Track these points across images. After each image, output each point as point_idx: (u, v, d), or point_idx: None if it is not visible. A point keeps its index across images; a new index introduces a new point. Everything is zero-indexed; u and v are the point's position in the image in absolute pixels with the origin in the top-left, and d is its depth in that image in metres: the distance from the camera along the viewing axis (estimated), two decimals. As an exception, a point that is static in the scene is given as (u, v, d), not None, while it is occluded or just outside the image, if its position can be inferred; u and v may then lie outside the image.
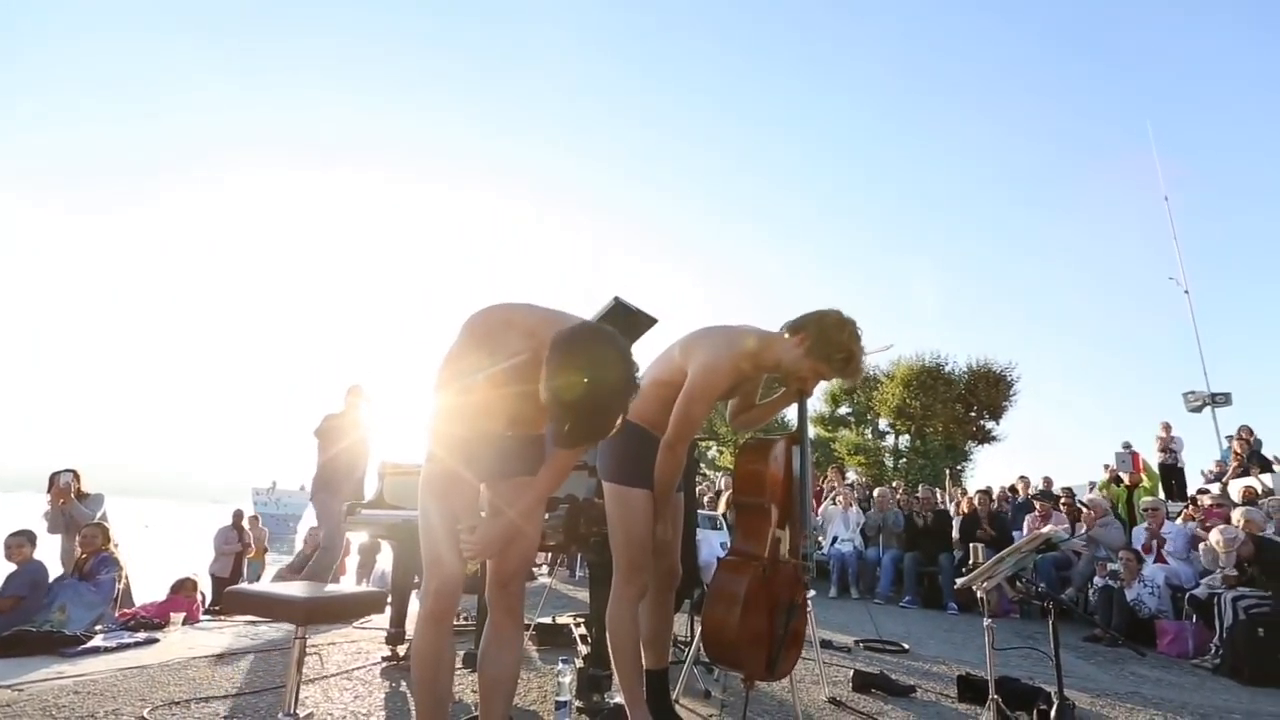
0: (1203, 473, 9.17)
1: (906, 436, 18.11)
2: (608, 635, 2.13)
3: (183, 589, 4.74)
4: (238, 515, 8.47)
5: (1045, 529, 2.50)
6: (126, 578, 4.49)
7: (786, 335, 2.02)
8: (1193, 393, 12.13)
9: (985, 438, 17.49)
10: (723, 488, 8.34)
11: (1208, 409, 11.81)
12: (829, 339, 1.96)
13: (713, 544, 5.91)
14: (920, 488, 8.26)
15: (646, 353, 2.28)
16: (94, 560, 4.10)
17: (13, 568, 3.88)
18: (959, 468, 16.59)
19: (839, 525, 7.37)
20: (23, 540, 3.95)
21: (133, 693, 2.61)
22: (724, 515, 5.16)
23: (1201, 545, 5.12)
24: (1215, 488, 7.87)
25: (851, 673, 3.21)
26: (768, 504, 2.06)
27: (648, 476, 2.08)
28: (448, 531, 1.70)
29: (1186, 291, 13.19)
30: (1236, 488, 7.26)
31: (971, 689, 3.00)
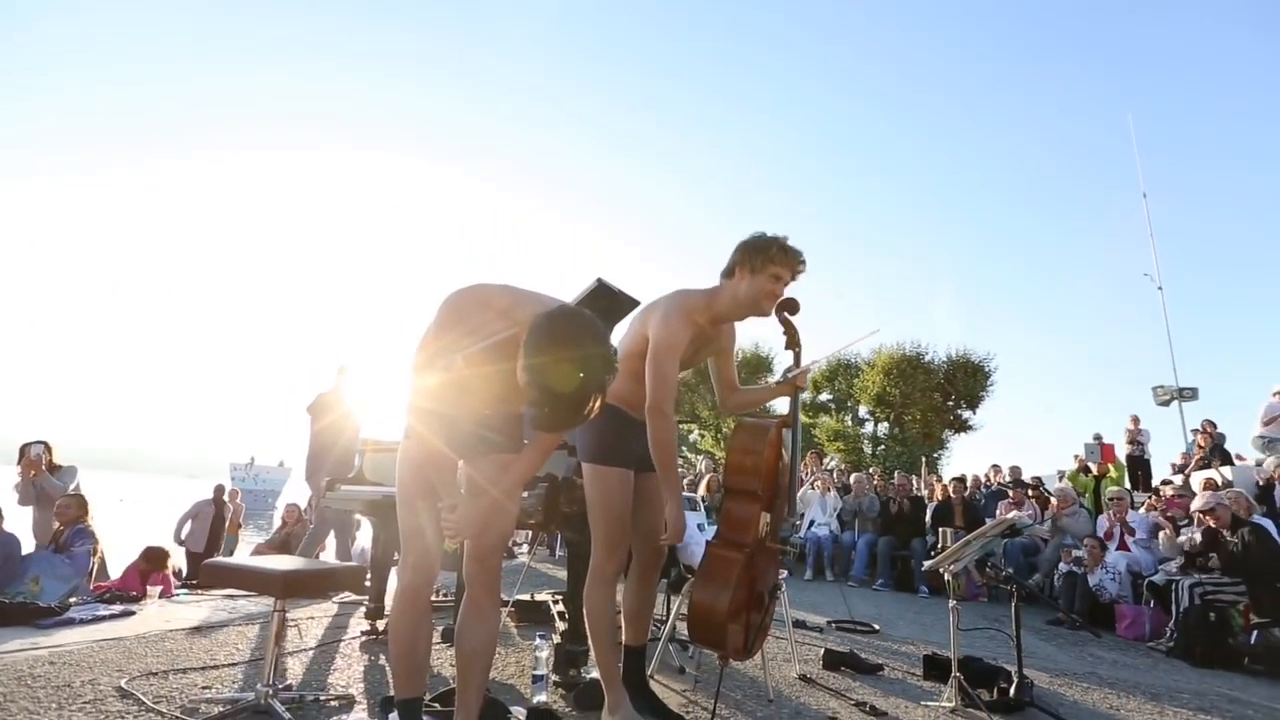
0: (1171, 465, 9.46)
1: (886, 424, 18.39)
2: (584, 612, 2.17)
3: (153, 558, 4.62)
4: (219, 490, 8.38)
5: (1010, 515, 2.59)
6: (101, 551, 4.44)
7: (726, 281, 2.15)
8: (1161, 387, 12.45)
9: (962, 427, 17.82)
10: (703, 470, 8.44)
11: (1175, 403, 12.15)
12: (755, 247, 2.09)
13: (689, 525, 5.98)
14: (896, 474, 8.43)
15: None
16: (69, 532, 4.05)
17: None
18: (935, 456, 16.91)
19: (816, 509, 7.51)
20: (-8, 512, 3.89)
21: (109, 664, 2.61)
22: (700, 498, 5.23)
23: (1162, 534, 5.31)
24: (1179, 479, 8.12)
25: (822, 651, 3.31)
26: (759, 489, 2.08)
27: (625, 455, 2.11)
28: (426, 508, 1.72)
29: (1160, 288, 13.46)
30: (1198, 479, 7.50)
31: (937, 667, 3.11)
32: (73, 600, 3.80)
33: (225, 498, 8.30)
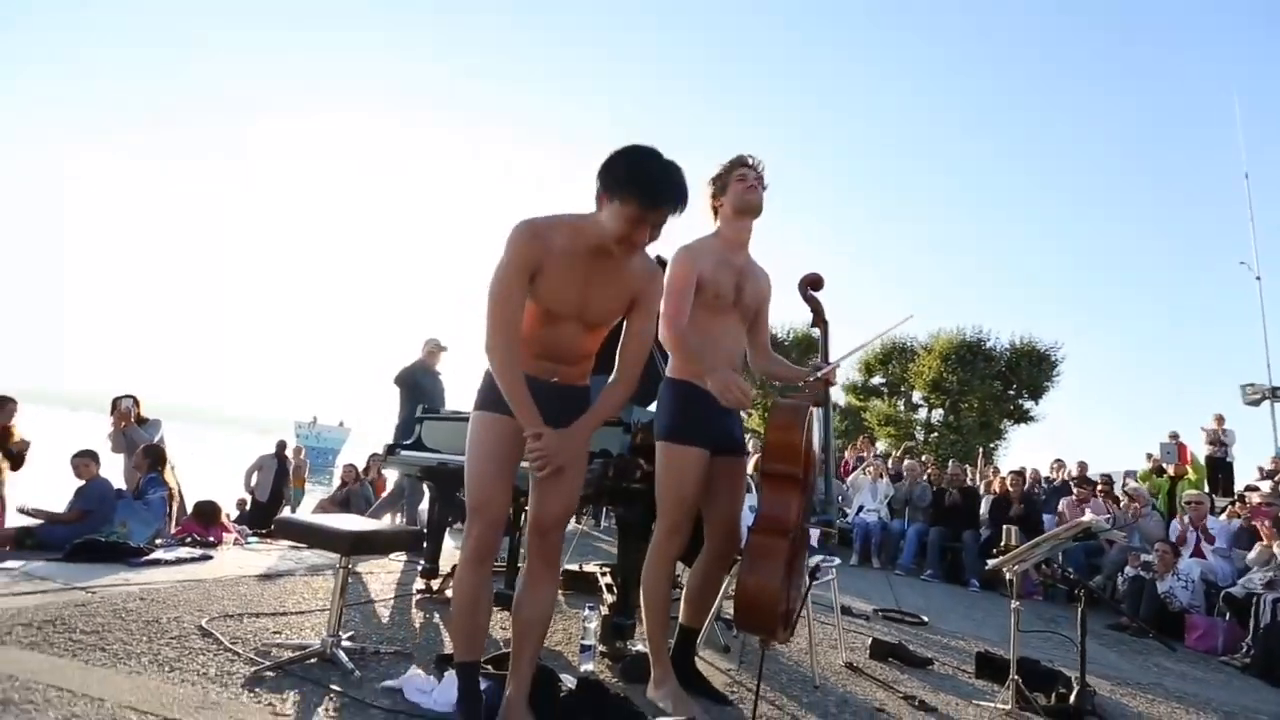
0: (1259, 469, 8.80)
1: (940, 411, 17.78)
2: (641, 587, 2.19)
3: (206, 514, 4.58)
4: (281, 445, 8.87)
5: (1086, 517, 2.45)
6: (181, 496, 4.77)
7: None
8: (1252, 385, 11.55)
9: (1022, 417, 17.05)
10: (751, 450, 8.37)
11: (1267, 403, 11.26)
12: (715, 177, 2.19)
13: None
14: (950, 464, 8.15)
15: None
16: (143, 480, 4.36)
17: (80, 484, 4.15)
18: (992, 446, 16.27)
19: (866, 495, 7.36)
20: (88, 460, 4.22)
21: (191, 603, 2.82)
22: (751, 477, 5.17)
23: (1258, 545, 4.95)
24: (1266, 485, 7.56)
25: (870, 640, 3.26)
26: (798, 471, 2.03)
27: (699, 433, 2.09)
28: (497, 474, 1.75)
29: (1259, 278, 12.41)
30: (1289, 487, 6.96)
31: (990, 666, 3.02)
32: (158, 541, 4.11)
33: (288, 452, 8.80)
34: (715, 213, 2.21)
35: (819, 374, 2.12)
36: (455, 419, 3.72)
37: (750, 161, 2.17)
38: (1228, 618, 4.72)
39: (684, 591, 2.25)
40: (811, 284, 2.16)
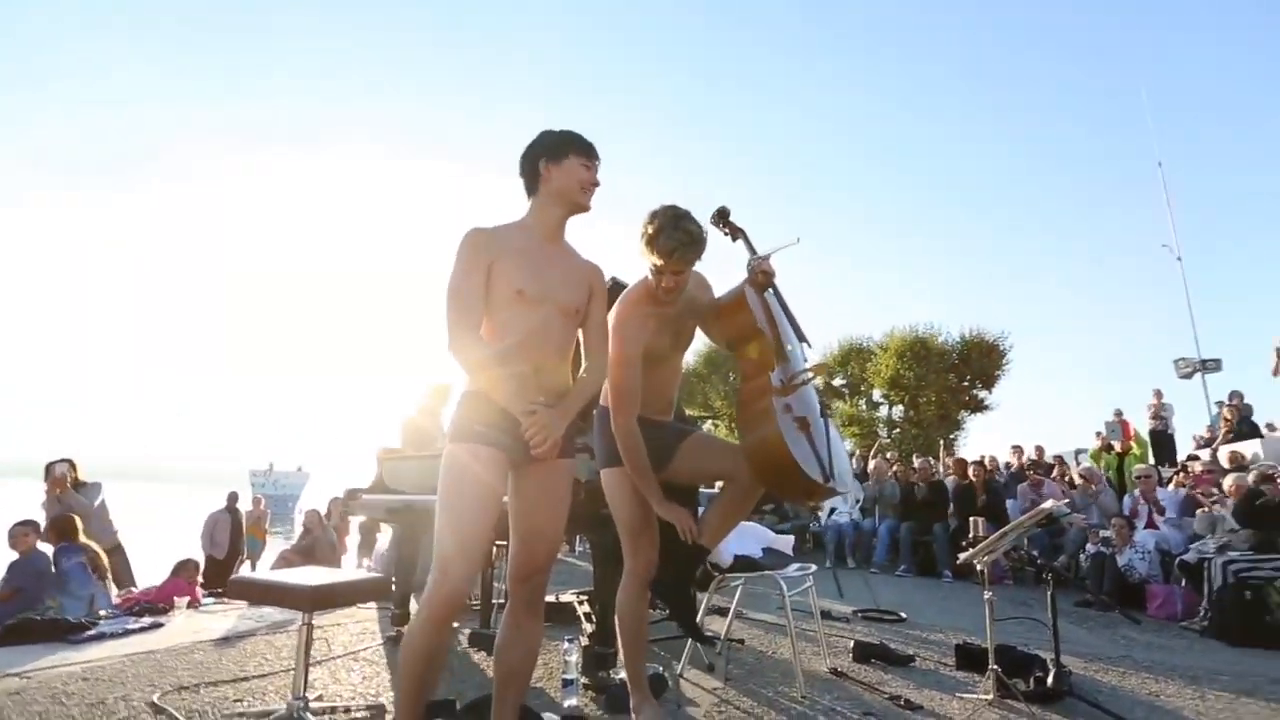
0: (1194, 438, 9.30)
1: (900, 407, 18.23)
2: (616, 613, 2.15)
3: (184, 571, 4.75)
4: (232, 497, 8.50)
5: (1047, 504, 2.53)
6: (105, 565, 4.39)
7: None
8: (1183, 359, 12.22)
9: (978, 407, 17.62)
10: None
11: (1198, 375, 11.93)
12: (646, 236, 1.98)
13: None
14: (915, 459, 8.34)
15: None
16: (55, 553, 4.02)
17: (15, 557, 3.86)
18: (952, 438, 16.73)
19: (837, 499, 7.46)
20: (28, 529, 3.92)
21: (141, 678, 2.63)
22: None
23: (1199, 512, 5.20)
24: (1205, 454, 7.98)
25: (852, 643, 3.27)
26: (751, 327, 2.06)
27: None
28: (480, 515, 1.61)
29: (1179, 259, 13.21)
30: (1225, 453, 7.36)
31: (969, 658, 3.06)
32: (102, 614, 3.83)
33: (241, 505, 8.47)
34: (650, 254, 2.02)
35: (755, 264, 2.16)
36: (419, 457, 3.61)
37: (684, 252, 1.95)
38: (1183, 584, 4.93)
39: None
40: (721, 215, 2.28)
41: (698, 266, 2.06)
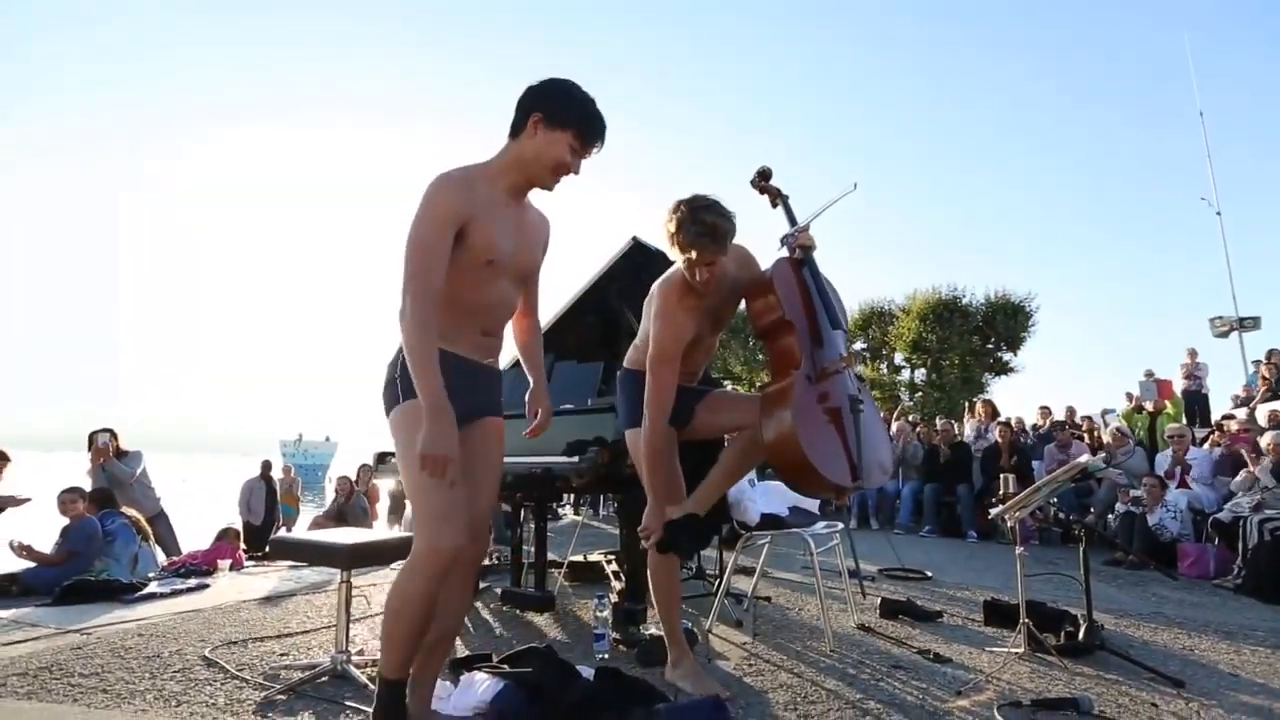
0: (1232, 398, 9.05)
1: (922, 371, 18.02)
2: (648, 570, 2.18)
3: (226, 537, 4.94)
4: (266, 466, 8.73)
5: (1083, 458, 2.48)
6: (149, 530, 4.59)
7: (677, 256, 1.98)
8: (1220, 318, 11.84)
9: (1003, 369, 17.35)
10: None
11: (1235, 334, 11.56)
12: (668, 234, 1.94)
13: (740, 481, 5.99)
14: (938, 420, 8.26)
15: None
16: (100, 517, 4.20)
17: (66, 523, 4.02)
18: (974, 401, 16.54)
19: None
20: (75, 496, 4.08)
21: (192, 634, 2.75)
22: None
23: (1243, 472, 5.09)
24: (1242, 413, 7.78)
25: (879, 600, 3.29)
26: (779, 315, 2.00)
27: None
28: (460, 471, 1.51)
29: (1219, 213, 12.68)
30: (1264, 412, 7.16)
31: (998, 613, 3.07)
32: (150, 575, 4.00)
33: (275, 473, 8.70)
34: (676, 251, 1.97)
35: (789, 240, 2.14)
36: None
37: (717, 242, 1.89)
38: (1216, 543, 4.86)
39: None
40: (762, 175, 2.26)
41: (739, 239, 1.99)
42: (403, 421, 1.57)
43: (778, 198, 2.23)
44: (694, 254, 1.88)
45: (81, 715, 1.91)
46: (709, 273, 1.93)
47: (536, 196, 1.75)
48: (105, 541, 4.01)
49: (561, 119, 1.59)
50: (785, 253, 2.14)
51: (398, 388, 1.59)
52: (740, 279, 2.11)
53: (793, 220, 2.19)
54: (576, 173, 1.66)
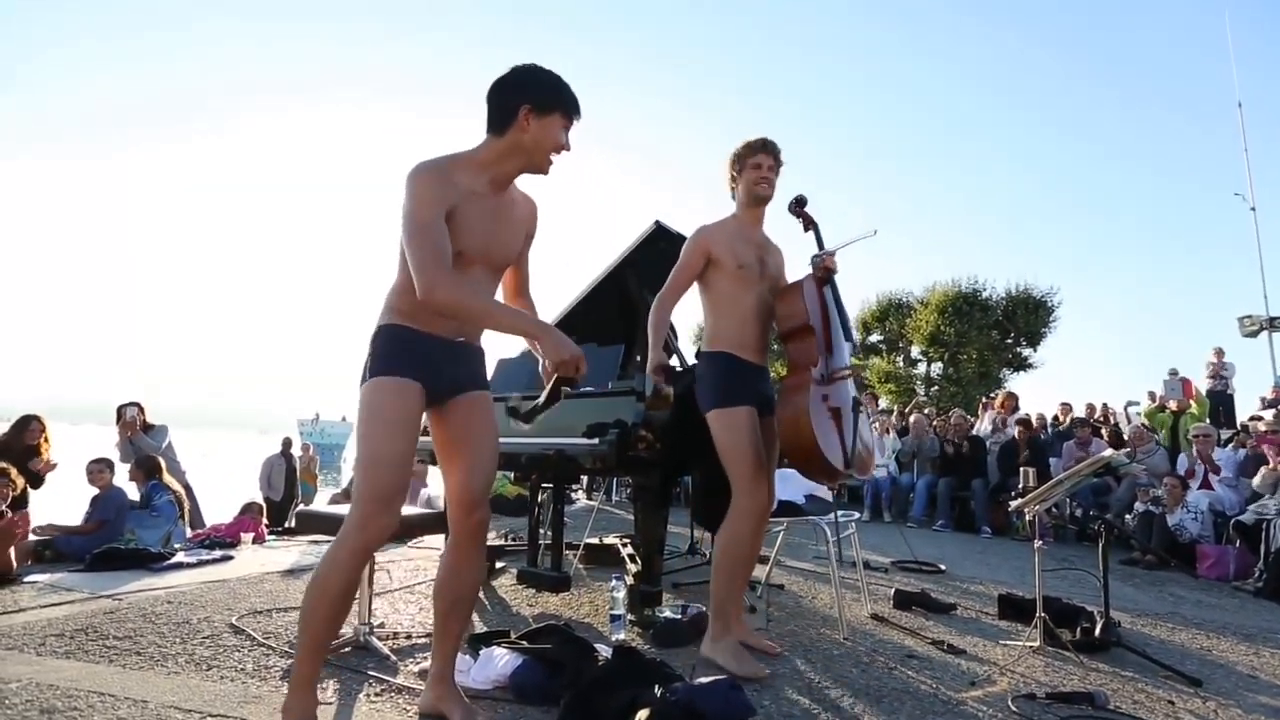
0: (1261, 399, 8.87)
1: (939, 364, 17.82)
2: (716, 544, 2.25)
3: (249, 511, 5.07)
4: (286, 443, 8.90)
5: (1106, 453, 2.46)
6: (192, 499, 4.79)
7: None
8: (1249, 317, 11.58)
9: (1021, 365, 17.12)
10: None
11: (1264, 334, 11.30)
12: (734, 155, 2.37)
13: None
14: (953, 413, 8.18)
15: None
16: (148, 488, 4.35)
17: (95, 493, 4.14)
18: (992, 396, 16.36)
19: (874, 451, 7.41)
20: (103, 467, 4.19)
21: (218, 602, 2.83)
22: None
23: (1263, 470, 5.00)
24: (1270, 414, 7.62)
25: (893, 591, 3.30)
26: (804, 321, 2.27)
27: (744, 395, 2.23)
28: (406, 451, 1.58)
29: (1253, 209, 12.36)
30: (1292, 414, 7.01)
31: (1013, 607, 3.06)
32: (178, 546, 4.12)
33: (294, 450, 8.87)
34: (731, 190, 2.39)
35: (820, 259, 2.39)
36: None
37: (768, 147, 2.30)
38: (1238, 545, 4.79)
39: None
40: (798, 202, 2.49)
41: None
42: (364, 398, 1.62)
43: (810, 224, 2.47)
44: (756, 150, 2.28)
45: (118, 675, 1.98)
46: (768, 166, 2.29)
47: (525, 181, 1.77)
48: (150, 514, 4.15)
49: (549, 104, 1.65)
50: (811, 270, 2.39)
51: (366, 366, 1.64)
52: (781, 267, 2.43)
53: (821, 244, 2.45)
54: (569, 149, 1.72)
